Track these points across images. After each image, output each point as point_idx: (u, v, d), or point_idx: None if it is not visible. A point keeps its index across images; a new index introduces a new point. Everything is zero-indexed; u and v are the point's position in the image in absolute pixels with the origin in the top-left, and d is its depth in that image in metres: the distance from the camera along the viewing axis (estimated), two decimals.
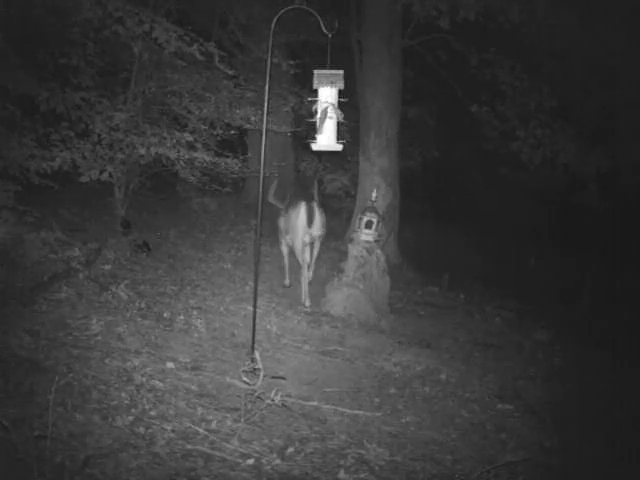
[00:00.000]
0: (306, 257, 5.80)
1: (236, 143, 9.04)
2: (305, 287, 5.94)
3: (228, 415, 3.52)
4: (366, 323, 5.94)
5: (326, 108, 3.78)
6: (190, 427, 3.31)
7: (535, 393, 4.76)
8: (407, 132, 9.99)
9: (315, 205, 5.87)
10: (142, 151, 6.14)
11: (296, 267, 6.24)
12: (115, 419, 3.23)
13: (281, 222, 6.22)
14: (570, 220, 10.61)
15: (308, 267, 5.83)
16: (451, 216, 11.70)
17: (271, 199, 6.27)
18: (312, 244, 5.92)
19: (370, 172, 8.69)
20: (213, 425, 3.39)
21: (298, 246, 5.79)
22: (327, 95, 3.80)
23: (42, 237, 5.54)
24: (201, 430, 3.30)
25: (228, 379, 4.02)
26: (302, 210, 5.77)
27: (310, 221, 5.66)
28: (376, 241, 6.31)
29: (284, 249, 6.33)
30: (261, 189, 4.12)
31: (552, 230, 10.80)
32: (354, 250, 6.21)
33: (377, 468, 3.23)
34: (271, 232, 8.26)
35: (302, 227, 5.68)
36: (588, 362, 5.74)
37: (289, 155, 10.50)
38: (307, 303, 5.97)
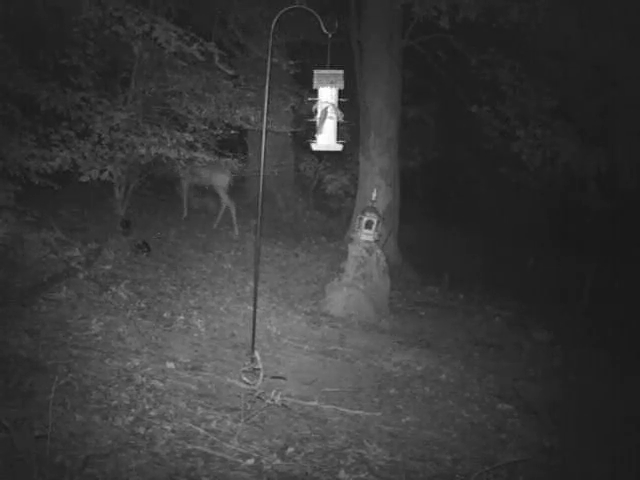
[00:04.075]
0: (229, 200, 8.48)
1: (236, 143, 9.05)
2: (234, 220, 8.38)
3: (228, 415, 3.53)
4: (366, 323, 5.94)
5: (326, 108, 3.79)
6: (190, 427, 3.31)
7: (535, 393, 4.77)
8: (407, 132, 9.99)
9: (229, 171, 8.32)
10: (142, 151, 6.13)
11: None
12: (115, 419, 3.23)
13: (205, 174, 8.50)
14: (570, 220, 10.61)
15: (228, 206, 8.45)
16: (451, 216, 11.70)
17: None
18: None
19: (370, 172, 8.69)
20: (213, 425, 3.39)
21: (225, 193, 8.40)
22: (327, 95, 3.81)
23: (42, 237, 5.53)
24: (201, 430, 3.30)
25: (228, 379, 4.02)
26: (228, 174, 8.23)
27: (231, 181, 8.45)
28: (376, 241, 6.32)
29: (185, 185, 8.55)
30: (261, 189, 4.12)
31: (552, 230, 10.80)
32: (354, 250, 6.22)
33: (377, 468, 3.23)
34: (272, 232, 8.28)
35: (228, 184, 8.38)
36: (588, 362, 5.74)
37: (289, 155, 10.51)
38: (237, 232, 8.28)
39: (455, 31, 7.77)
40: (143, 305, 5.04)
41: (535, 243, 10.29)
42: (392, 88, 8.66)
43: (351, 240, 6.55)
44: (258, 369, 3.85)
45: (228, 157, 7.36)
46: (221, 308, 5.50)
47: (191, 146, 6.49)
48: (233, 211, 8.38)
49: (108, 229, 6.58)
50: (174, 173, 8.15)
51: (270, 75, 3.99)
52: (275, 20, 3.86)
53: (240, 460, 3.09)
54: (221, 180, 8.33)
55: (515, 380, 4.99)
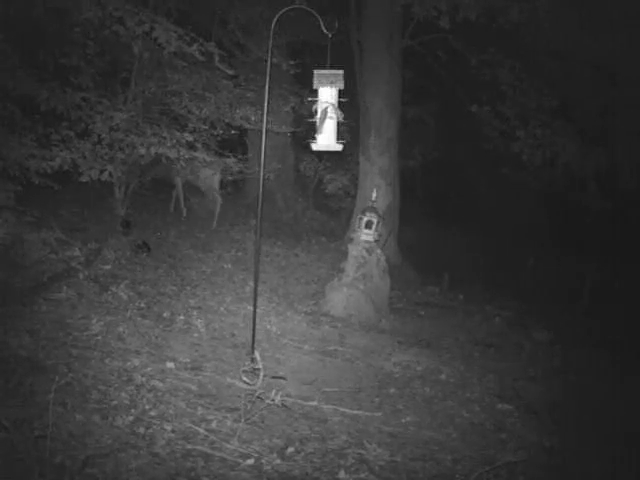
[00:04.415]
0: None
1: (236, 143, 9.05)
2: (217, 212, 8.82)
3: (228, 415, 3.53)
4: (366, 323, 5.94)
5: (326, 108, 3.78)
6: (190, 427, 3.31)
7: (535, 393, 4.76)
8: (407, 132, 10.00)
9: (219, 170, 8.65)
10: (142, 151, 6.14)
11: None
12: (115, 419, 3.23)
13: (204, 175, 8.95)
14: (570, 220, 10.61)
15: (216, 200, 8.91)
16: (451, 216, 11.70)
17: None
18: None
19: (370, 172, 8.70)
20: (213, 425, 3.39)
21: (216, 189, 8.80)
22: (327, 95, 3.80)
23: (42, 237, 5.53)
24: (201, 430, 3.30)
25: (228, 379, 4.02)
26: (217, 176, 8.61)
27: (220, 181, 8.83)
28: (376, 241, 6.31)
29: (179, 183, 8.94)
30: (261, 189, 4.11)
31: (552, 230, 10.80)
32: (354, 250, 6.21)
33: (377, 468, 3.23)
34: (272, 232, 8.27)
35: (218, 182, 8.73)
36: (588, 362, 5.74)
37: (289, 155, 10.50)
38: (215, 225, 8.67)
39: (455, 31, 7.78)
40: (143, 305, 5.04)
41: (535, 243, 10.29)
42: (392, 88, 8.66)
43: (351, 240, 6.55)
44: (258, 369, 3.85)
45: (228, 157, 7.36)
46: (221, 308, 5.50)
47: (191, 146, 6.50)
48: (217, 203, 8.77)
49: (108, 229, 6.57)
50: (169, 172, 8.22)
51: (270, 75, 3.99)
52: (275, 20, 3.85)
53: (240, 460, 3.09)
54: (211, 179, 8.68)
55: (515, 380, 4.98)
